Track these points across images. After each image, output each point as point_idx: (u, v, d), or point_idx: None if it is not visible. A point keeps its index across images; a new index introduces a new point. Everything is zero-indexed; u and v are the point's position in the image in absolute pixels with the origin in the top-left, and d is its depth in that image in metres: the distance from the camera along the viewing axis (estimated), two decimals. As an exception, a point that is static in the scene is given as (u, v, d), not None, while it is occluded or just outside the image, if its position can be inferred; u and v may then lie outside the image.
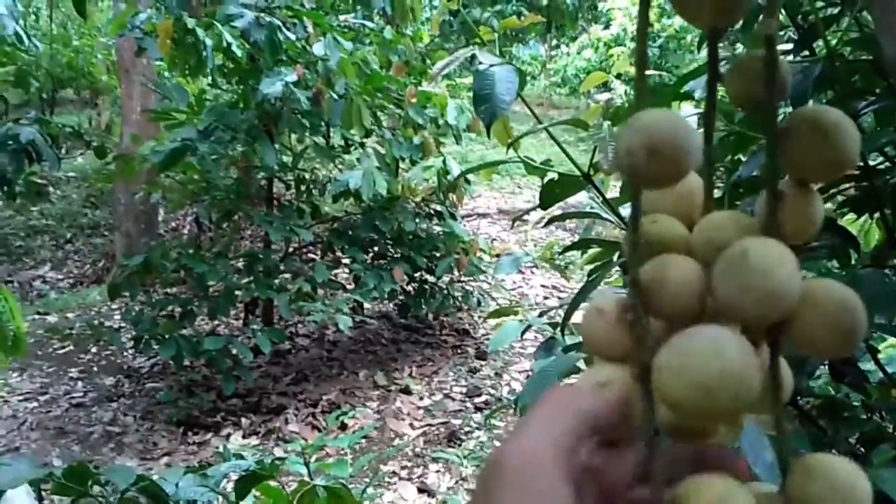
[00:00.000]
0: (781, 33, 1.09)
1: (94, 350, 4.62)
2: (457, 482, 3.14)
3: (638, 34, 0.33)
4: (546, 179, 0.96)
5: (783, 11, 0.98)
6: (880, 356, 0.99)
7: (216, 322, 4.33)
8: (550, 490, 0.27)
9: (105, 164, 4.07)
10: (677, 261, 0.32)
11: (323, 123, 3.81)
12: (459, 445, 3.44)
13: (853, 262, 0.90)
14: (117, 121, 7.07)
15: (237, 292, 3.77)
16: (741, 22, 1.00)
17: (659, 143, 0.29)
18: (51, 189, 7.34)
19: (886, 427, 0.90)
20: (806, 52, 0.96)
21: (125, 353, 4.46)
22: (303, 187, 4.23)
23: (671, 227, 0.34)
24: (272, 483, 1.22)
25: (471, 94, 0.93)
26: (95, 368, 4.36)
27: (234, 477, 1.18)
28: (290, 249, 4.31)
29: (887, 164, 0.93)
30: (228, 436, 3.54)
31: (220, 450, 1.46)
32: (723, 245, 0.30)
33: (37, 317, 5.21)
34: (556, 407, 0.30)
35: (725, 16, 0.30)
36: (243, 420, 3.66)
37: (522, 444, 0.28)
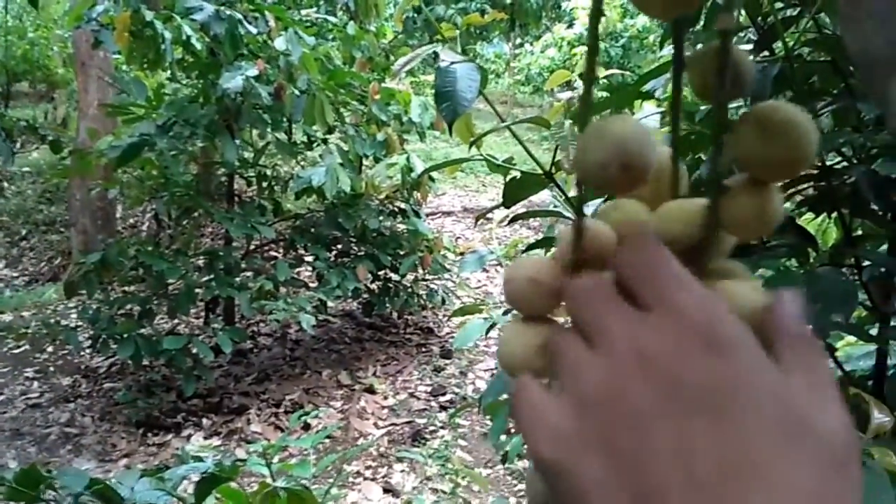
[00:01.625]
0: (742, 34, 1.10)
1: (50, 349, 4.52)
2: (421, 482, 3.13)
3: (588, 52, 0.32)
4: (509, 177, 0.96)
5: (743, 12, 0.99)
6: (838, 354, 1.00)
7: (176, 321, 4.27)
8: None
9: (61, 158, 3.97)
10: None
11: (285, 119, 3.78)
12: (424, 444, 3.43)
13: (811, 260, 0.91)
14: (74, 115, 6.91)
15: (197, 290, 3.71)
16: (703, 21, 1.00)
17: (633, 159, 0.29)
18: (5, 184, 7.17)
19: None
20: (766, 53, 0.97)
21: (82, 353, 4.37)
22: (264, 184, 4.18)
23: (630, 214, 0.34)
24: (232, 485, 1.19)
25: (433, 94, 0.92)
26: (52, 368, 4.27)
27: (195, 479, 1.16)
28: (252, 247, 4.26)
29: (845, 163, 0.95)
30: (189, 437, 3.48)
31: (180, 451, 1.43)
32: (673, 236, 0.31)
33: (-10, 316, 5.08)
34: None
35: (677, 6, 0.30)
36: (204, 420, 3.61)
37: None
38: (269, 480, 1.25)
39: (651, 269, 0.28)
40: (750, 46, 0.98)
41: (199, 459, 1.24)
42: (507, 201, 0.97)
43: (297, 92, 3.52)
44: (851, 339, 1.13)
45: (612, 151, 0.29)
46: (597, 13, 0.32)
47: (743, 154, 0.30)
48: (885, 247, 0.95)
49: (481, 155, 0.98)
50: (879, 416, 0.68)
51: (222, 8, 3.26)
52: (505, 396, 1.23)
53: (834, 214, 0.98)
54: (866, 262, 0.92)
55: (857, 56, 0.30)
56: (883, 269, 0.91)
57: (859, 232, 1.00)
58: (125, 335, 3.50)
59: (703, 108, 1.00)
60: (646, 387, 0.25)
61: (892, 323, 0.91)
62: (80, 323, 4.65)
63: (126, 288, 3.99)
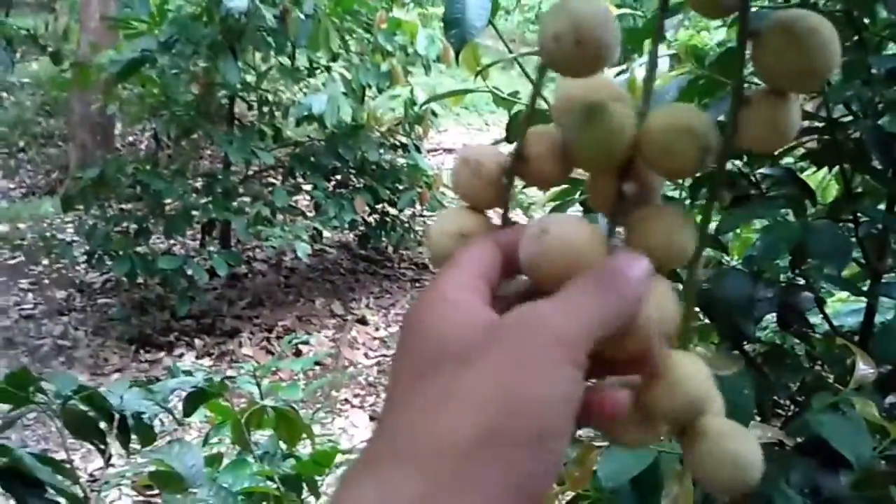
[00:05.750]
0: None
1: (45, 262, 4.53)
2: (407, 411, 3.18)
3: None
4: (513, 111, 0.95)
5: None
6: (827, 309, 1.01)
7: (172, 241, 4.27)
8: (472, 310, 0.28)
9: (61, 71, 3.91)
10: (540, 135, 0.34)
11: (289, 43, 3.70)
12: (411, 376, 3.48)
13: (809, 213, 0.91)
14: (75, 27, 6.77)
15: (194, 212, 3.70)
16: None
17: (587, 34, 0.29)
18: (3, 94, 7.07)
19: (827, 377, 0.93)
20: (780, 0, 0.95)
21: (77, 268, 4.38)
22: (265, 109, 4.13)
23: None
24: (221, 401, 1.22)
25: (442, 24, 0.90)
26: (46, 281, 4.29)
27: (185, 394, 1.18)
28: (251, 172, 4.24)
29: (851, 118, 0.94)
30: (181, 356, 3.53)
31: (172, 367, 1.45)
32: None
33: (-14, 226, 5.08)
34: (456, 263, 0.31)
35: None
36: (196, 341, 3.65)
37: (435, 290, 0.30)
38: (257, 399, 1.28)
39: None
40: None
41: (190, 374, 1.25)
42: (511, 137, 0.96)
43: (302, 16, 3.45)
44: (842, 295, 1.14)
45: (566, 23, 0.29)
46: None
47: (765, 63, 0.29)
48: (883, 205, 0.95)
49: (487, 87, 0.97)
50: (864, 368, 0.69)
51: (230, -77, 3.17)
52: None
53: (836, 169, 0.97)
54: (864, 219, 0.92)
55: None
56: (880, 226, 0.92)
57: (860, 189, 0.99)
58: (121, 252, 3.51)
59: (712, 53, 0.99)
60: None
61: (883, 280, 0.92)
62: (76, 238, 4.65)
63: (123, 205, 3.98)
